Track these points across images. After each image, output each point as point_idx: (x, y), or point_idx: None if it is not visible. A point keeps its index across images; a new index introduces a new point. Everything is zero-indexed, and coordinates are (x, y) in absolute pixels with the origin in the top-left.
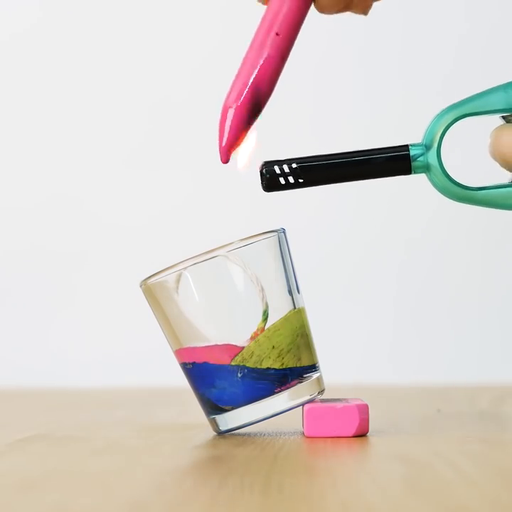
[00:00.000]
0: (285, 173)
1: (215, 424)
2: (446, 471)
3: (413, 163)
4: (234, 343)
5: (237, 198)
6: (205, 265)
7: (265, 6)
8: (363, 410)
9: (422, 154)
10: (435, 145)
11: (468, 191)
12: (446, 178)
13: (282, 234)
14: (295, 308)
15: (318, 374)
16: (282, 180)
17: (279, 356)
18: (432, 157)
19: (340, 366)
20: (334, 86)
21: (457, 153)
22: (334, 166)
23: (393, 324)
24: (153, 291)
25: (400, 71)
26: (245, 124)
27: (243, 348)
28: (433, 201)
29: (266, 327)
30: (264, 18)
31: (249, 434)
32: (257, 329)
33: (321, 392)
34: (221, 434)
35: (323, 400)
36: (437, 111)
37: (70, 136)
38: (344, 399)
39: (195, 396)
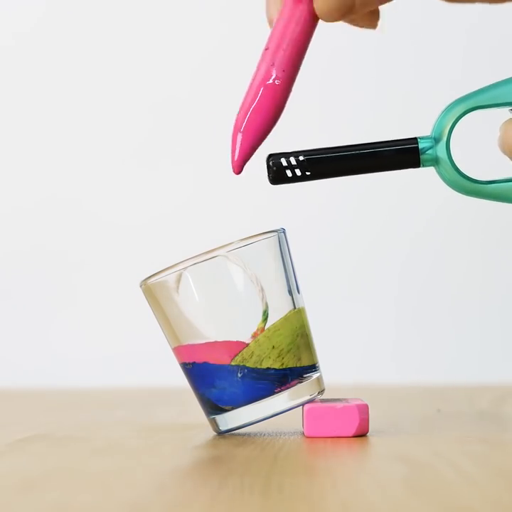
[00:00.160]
0: (292, 165)
1: (215, 424)
2: (447, 471)
3: (422, 157)
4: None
5: (237, 198)
6: (205, 265)
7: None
8: (363, 410)
9: (430, 147)
10: (444, 138)
11: (477, 185)
12: (455, 172)
13: (282, 234)
14: (295, 308)
15: (318, 374)
16: (289, 173)
17: (279, 356)
18: (441, 150)
19: (340, 366)
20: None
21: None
22: (342, 158)
23: (393, 324)
24: (153, 291)
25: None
26: (259, 141)
27: (243, 348)
28: (434, 201)
29: (266, 327)
30: (271, 37)
31: (249, 434)
32: (257, 329)
33: (321, 392)
34: (221, 434)
35: (323, 400)
36: (446, 103)
37: (70, 136)
38: (344, 399)
39: (195, 396)
